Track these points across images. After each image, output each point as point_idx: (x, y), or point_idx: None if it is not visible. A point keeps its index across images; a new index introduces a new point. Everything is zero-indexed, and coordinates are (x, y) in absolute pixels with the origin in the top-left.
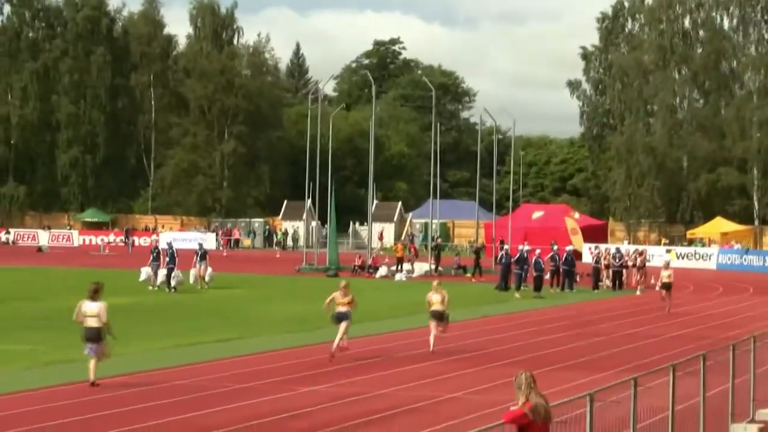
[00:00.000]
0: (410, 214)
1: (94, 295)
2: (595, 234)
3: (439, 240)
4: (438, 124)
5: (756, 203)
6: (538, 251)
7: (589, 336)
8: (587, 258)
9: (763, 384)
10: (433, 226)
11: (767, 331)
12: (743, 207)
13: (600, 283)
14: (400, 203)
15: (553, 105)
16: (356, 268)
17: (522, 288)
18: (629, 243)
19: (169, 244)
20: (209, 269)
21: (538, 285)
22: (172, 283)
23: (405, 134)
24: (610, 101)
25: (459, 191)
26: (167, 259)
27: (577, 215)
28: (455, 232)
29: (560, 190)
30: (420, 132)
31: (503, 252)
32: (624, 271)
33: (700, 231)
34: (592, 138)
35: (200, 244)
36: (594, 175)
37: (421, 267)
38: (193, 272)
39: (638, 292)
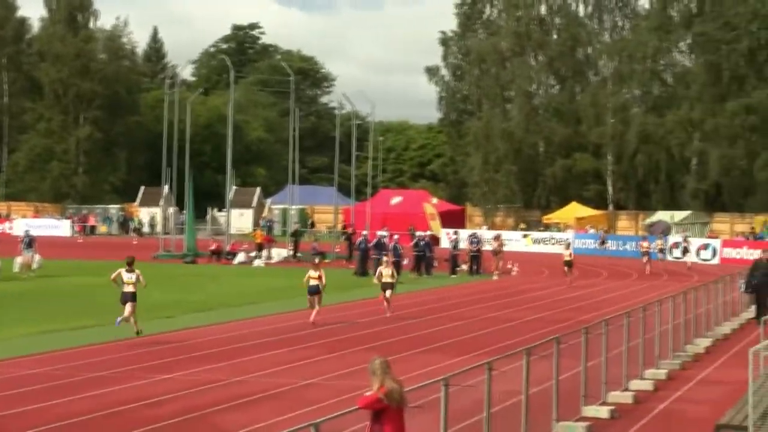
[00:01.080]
0: (269, 200)
1: (129, 267)
2: (453, 219)
3: (297, 225)
4: (297, 110)
5: (610, 188)
6: (396, 237)
7: (448, 321)
8: (445, 243)
9: (614, 367)
10: (292, 211)
11: (619, 314)
12: (598, 192)
13: (457, 269)
14: (259, 189)
15: (411, 90)
16: (212, 253)
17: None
18: (487, 228)
19: (26, 232)
20: (37, 256)
21: (396, 270)
22: (33, 266)
23: (264, 120)
24: (468, 87)
25: (318, 177)
26: (23, 246)
27: (435, 201)
28: (314, 217)
29: (419, 176)
30: (279, 117)
31: (362, 238)
32: (481, 256)
33: (556, 216)
34: (450, 123)
35: (26, 231)
36: (452, 161)
37: (279, 253)
38: (19, 260)
39: (495, 277)
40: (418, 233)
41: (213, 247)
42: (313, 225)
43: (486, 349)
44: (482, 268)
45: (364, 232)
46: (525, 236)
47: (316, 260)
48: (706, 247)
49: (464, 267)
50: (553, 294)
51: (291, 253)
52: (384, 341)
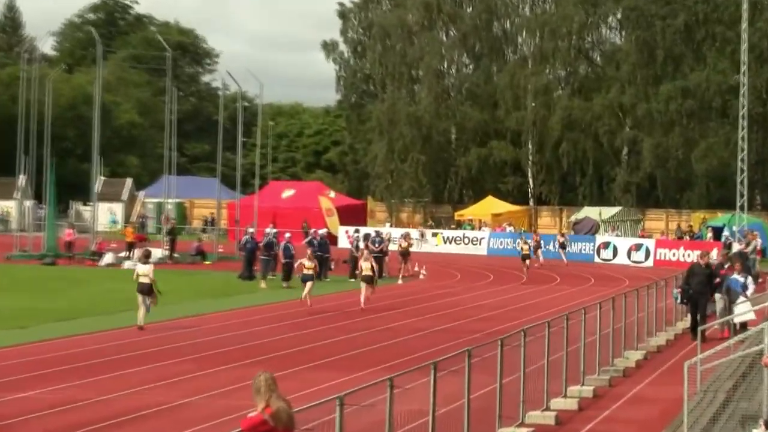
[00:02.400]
0: (142, 193)
1: (145, 259)
2: (352, 215)
3: (173, 222)
4: (175, 90)
5: (531, 181)
6: (288, 235)
7: (345, 331)
8: (344, 242)
9: (533, 383)
10: (168, 206)
11: (540, 324)
12: (517, 185)
13: (357, 272)
14: (130, 180)
15: (306, 69)
16: (67, 247)
17: (269, 277)
18: (391, 225)
19: None
20: None
21: (287, 273)
22: None
23: (137, 101)
24: (371, 65)
25: (199, 166)
26: None
27: (332, 194)
28: (194, 212)
29: (314, 166)
30: (154, 98)
31: (247, 236)
32: (385, 257)
33: (470, 212)
34: (349, 106)
35: None
36: (352, 149)
37: (153, 253)
38: None
39: (400, 281)
40: (312, 231)
41: (70, 238)
42: (212, 222)
43: (387, 364)
44: (386, 270)
45: (250, 229)
46: (435, 235)
47: (309, 251)
48: (638, 247)
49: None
50: (467, 301)
51: (167, 253)
52: (271, 354)
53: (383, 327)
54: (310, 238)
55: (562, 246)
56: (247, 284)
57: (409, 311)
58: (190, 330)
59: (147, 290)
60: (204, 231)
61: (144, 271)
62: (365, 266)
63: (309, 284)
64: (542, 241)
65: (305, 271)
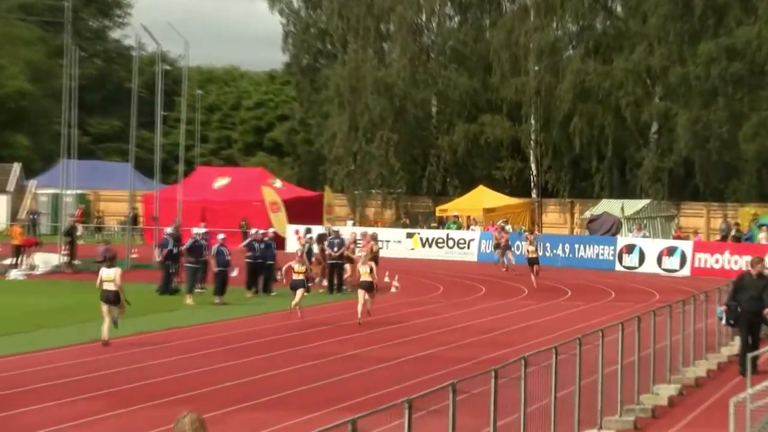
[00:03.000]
0: (33, 182)
1: (110, 262)
2: (305, 211)
3: (75, 220)
4: (76, 49)
5: (533, 166)
6: (221, 236)
7: (294, 360)
8: (293, 245)
9: (535, 426)
10: (67, 198)
11: (545, 350)
12: (516, 172)
13: (310, 284)
14: (18, 165)
15: (245, 23)
16: None
17: (197, 290)
18: (355, 224)
19: None
20: None
21: (221, 285)
22: None
23: (27, 63)
24: (327, 18)
25: (107, 148)
26: None
27: (279, 183)
28: (100, 207)
29: (255, 147)
30: (49, 60)
31: (167, 236)
32: (348, 265)
33: (455, 206)
34: (300, 71)
35: None
36: (303, 126)
37: (48, 260)
38: None
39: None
40: (253, 231)
41: None
42: (135, 220)
43: (349, 402)
44: (347, 282)
45: (168, 230)
46: (410, 236)
47: (298, 253)
48: (671, 251)
49: (322, 282)
50: (450, 321)
51: (65, 259)
52: (199, 390)
53: (344, 354)
54: (250, 240)
55: (505, 247)
56: (169, 300)
57: (377, 334)
58: (97, 359)
59: (113, 299)
60: (100, 230)
61: (109, 276)
62: (363, 271)
63: (300, 292)
64: (510, 241)
65: (295, 276)
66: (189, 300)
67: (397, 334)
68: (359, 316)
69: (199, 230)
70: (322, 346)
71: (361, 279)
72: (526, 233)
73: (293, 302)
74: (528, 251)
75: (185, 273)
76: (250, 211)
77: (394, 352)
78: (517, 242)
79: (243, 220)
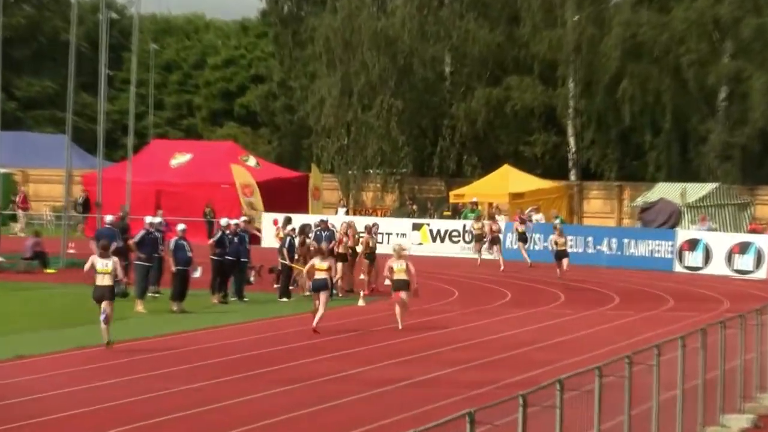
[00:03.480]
0: None
1: (104, 252)
2: (285, 195)
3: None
4: None
5: (572, 141)
6: (181, 227)
7: (273, 382)
8: (269, 242)
9: None
10: None
11: (584, 371)
12: (550, 148)
13: (292, 287)
14: None
15: None
16: None
17: (151, 294)
18: (347, 212)
19: None
20: None
21: (180, 288)
22: None
23: None
24: None
25: (38, 116)
26: None
27: (252, 161)
28: (29, 189)
29: (223, 116)
30: None
31: (108, 226)
32: (340, 264)
33: (474, 190)
34: (280, 21)
35: None
36: (284, 89)
37: None
38: None
39: (361, 302)
40: (224, 222)
41: None
42: (86, 206)
43: None
44: (337, 286)
45: (109, 218)
46: (417, 227)
47: (323, 245)
48: (744, 248)
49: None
50: (465, 334)
51: None
52: (146, 421)
53: (335, 375)
54: (221, 233)
55: (522, 238)
56: (114, 306)
57: (375, 351)
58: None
59: (109, 295)
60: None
61: (105, 269)
62: (397, 267)
63: (324, 295)
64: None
65: (318, 275)
66: (140, 307)
67: (402, 351)
68: (399, 322)
69: (153, 219)
70: (309, 365)
71: (395, 277)
72: (556, 222)
73: (318, 312)
74: (557, 243)
75: (135, 273)
76: (217, 195)
77: (397, 372)
78: (537, 234)
79: (208, 207)
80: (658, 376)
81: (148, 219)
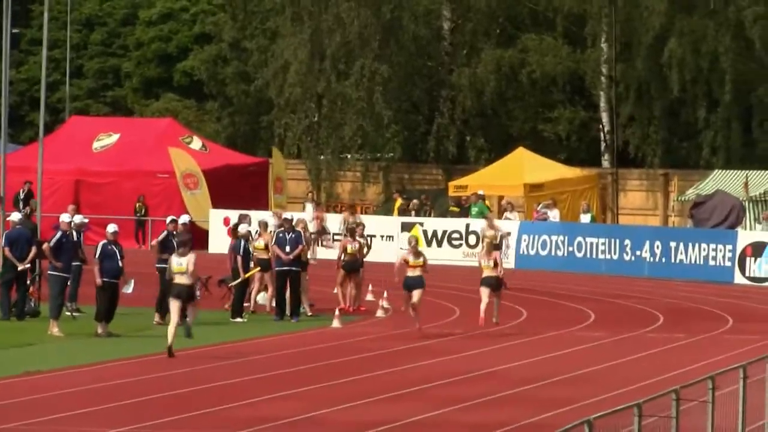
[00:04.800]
0: None
1: (183, 248)
2: (240, 186)
3: None
4: None
5: (605, 117)
6: (113, 228)
7: (224, 426)
8: (218, 246)
9: None
10: None
11: (621, 408)
12: (578, 126)
13: (246, 304)
14: None
15: None
16: None
17: (68, 312)
18: (317, 205)
19: None
20: None
21: (107, 307)
22: None
23: None
24: None
25: None
26: None
27: (197, 143)
28: None
29: (159, 85)
30: None
31: (20, 227)
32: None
33: (480, 181)
34: None
35: None
36: (238, 51)
37: None
38: None
39: (336, 322)
40: (169, 220)
41: None
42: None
43: None
44: (306, 303)
45: (15, 216)
46: (408, 227)
47: (413, 242)
48: None
49: (269, 301)
50: (473, 363)
51: None
52: None
53: (302, 416)
54: (166, 234)
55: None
56: (22, 328)
57: (354, 385)
58: None
59: (186, 295)
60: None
61: (181, 267)
62: (485, 265)
63: (418, 293)
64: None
65: (410, 273)
66: (54, 329)
67: (388, 385)
68: (482, 316)
69: (70, 218)
70: (267, 404)
71: (409, 273)
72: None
73: (413, 313)
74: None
75: (48, 286)
76: (152, 186)
77: (382, 413)
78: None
79: (140, 201)
80: (713, 415)
81: (64, 217)
